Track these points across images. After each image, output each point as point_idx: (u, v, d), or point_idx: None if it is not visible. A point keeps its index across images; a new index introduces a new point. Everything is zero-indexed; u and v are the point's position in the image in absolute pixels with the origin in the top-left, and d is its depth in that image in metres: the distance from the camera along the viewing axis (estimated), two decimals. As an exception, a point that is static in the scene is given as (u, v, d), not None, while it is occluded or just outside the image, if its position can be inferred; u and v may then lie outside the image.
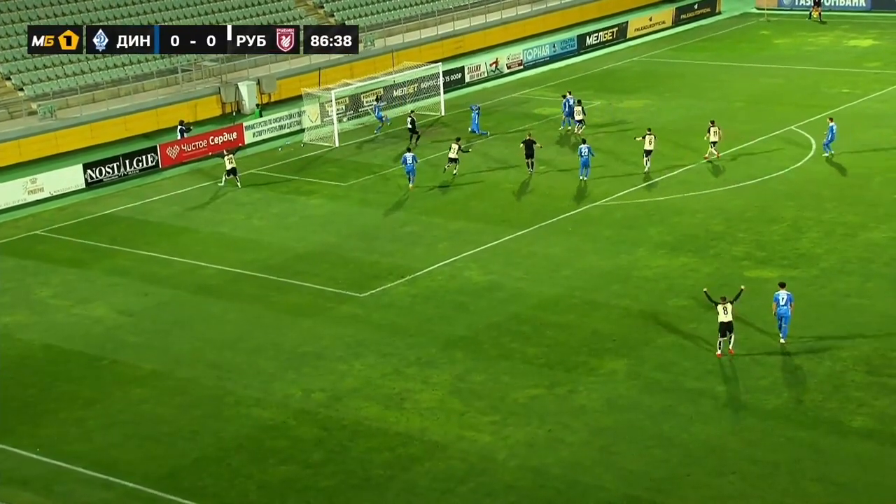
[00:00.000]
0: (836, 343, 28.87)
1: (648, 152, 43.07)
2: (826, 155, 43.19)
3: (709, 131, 43.85)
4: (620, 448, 24.65)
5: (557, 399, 26.83)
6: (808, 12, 71.52)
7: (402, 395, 27.29)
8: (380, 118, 50.67)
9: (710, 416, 25.75)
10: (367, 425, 26.04)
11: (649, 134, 43.45)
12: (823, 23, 69.33)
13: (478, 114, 49.34)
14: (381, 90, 52.26)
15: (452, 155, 43.54)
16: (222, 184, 44.08)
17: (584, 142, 43.02)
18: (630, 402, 26.53)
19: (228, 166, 44.18)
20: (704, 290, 29.89)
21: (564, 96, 49.62)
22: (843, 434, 24.84)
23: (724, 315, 28.19)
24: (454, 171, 43.55)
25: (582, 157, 42.25)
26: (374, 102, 51.47)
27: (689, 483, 23.36)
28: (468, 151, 44.41)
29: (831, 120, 43.89)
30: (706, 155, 43.83)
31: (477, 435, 25.42)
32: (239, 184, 43.92)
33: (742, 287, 29.57)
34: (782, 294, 28.73)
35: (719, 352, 28.51)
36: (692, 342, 29.30)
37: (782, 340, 28.86)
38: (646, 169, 42.93)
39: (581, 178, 42.31)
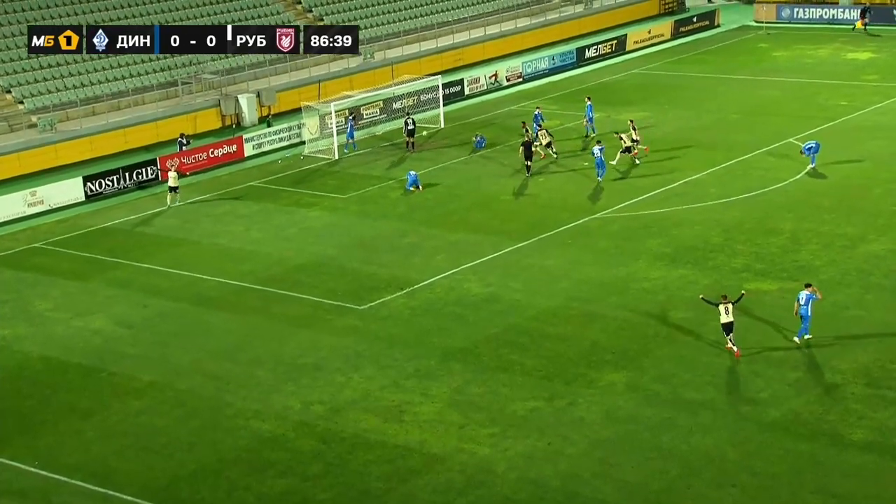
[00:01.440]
0: (835, 355, 28.86)
1: (628, 149, 44.70)
2: (813, 166, 43.34)
3: (635, 131, 45.61)
4: (619, 460, 24.61)
5: (556, 411, 26.79)
6: (809, 25, 71.85)
7: (401, 408, 27.25)
8: (351, 136, 50.00)
9: (709, 428, 25.71)
10: (365, 438, 26.00)
11: (627, 132, 45.19)
12: (876, 36, 68.67)
13: (482, 141, 49.26)
14: (349, 111, 51.61)
15: (545, 140, 46.23)
16: (170, 204, 43.20)
17: (598, 142, 43.77)
18: (629, 414, 26.49)
19: (171, 183, 43.33)
20: (701, 296, 30.24)
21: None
22: (842, 446, 24.79)
23: (726, 315, 28.59)
24: (553, 152, 46.19)
25: (595, 157, 43.02)
26: (350, 120, 50.45)
27: (688, 495, 23.31)
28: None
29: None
30: (635, 153, 45.18)
31: (476, 447, 25.38)
32: (177, 201, 43.19)
33: (743, 292, 29.87)
34: (803, 294, 29.13)
35: (736, 350, 28.69)
36: (691, 354, 29.27)
37: (796, 339, 29.28)
38: (636, 157, 44.92)
39: (598, 179, 43.05)
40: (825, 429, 25.49)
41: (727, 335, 28.84)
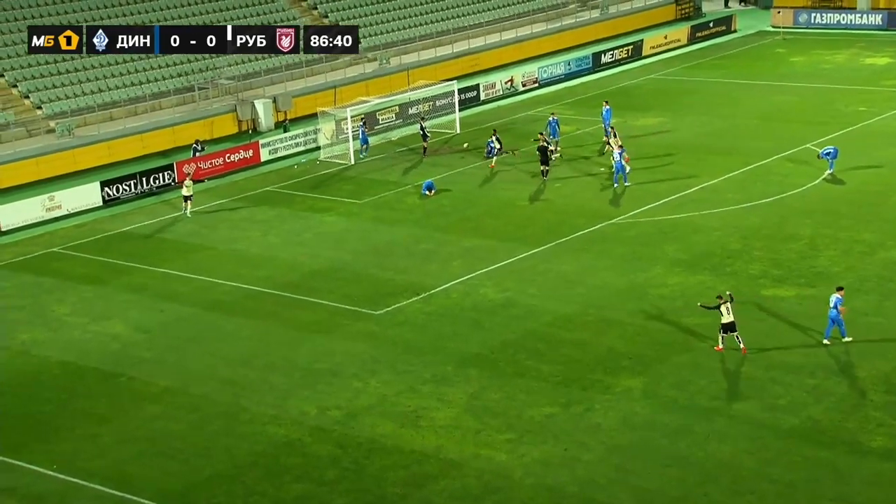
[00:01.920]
0: (854, 362, 28.71)
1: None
2: (831, 172, 43.14)
3: (616, 136, 44.86)
4: (636, 466, 24.52)
5: (573, 417, 26.72)
6: (826, 30, 71.69)
7: (418, 413, 27.22)
8: (364, 142, 50.05)
9: (726, 435, 25.60)
10: (382, 443, 25.98)
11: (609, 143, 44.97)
12: None
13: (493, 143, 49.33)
14: (364, 115, 51.70)
15: (552, 147, 46.70)
16: (188, 214, 42.97)
17: (620, 146, 43.59)
18: (646, 421, 26.40)
19: (185, 192, 43.00)
20: (699, 304, 30.48)
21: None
22: (861, 454, 24.64)
23: (728, 315, 28.88)
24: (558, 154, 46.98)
25: (615, 161, 42.87)
26: (361, 125, 50.38)
27: (705, 502, 23.20)
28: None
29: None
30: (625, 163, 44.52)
31: (492, 453, 25.33)
32: (189, 211, 42.96)
33: (728, 292, 30.04)
34: (832, 298, 29.39)
35: (721, 346, 29.11)
36: (708, 360, 29.15)
37: (825, 341, 29.44)
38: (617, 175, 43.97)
39: (615, 184, 42.95)
40: (844, 436, 25.35)
41: (731, 334, 28.96)
